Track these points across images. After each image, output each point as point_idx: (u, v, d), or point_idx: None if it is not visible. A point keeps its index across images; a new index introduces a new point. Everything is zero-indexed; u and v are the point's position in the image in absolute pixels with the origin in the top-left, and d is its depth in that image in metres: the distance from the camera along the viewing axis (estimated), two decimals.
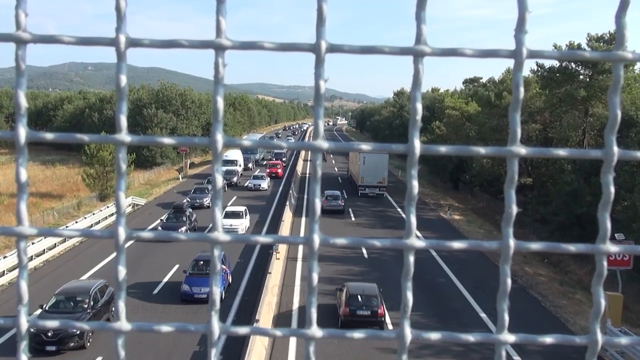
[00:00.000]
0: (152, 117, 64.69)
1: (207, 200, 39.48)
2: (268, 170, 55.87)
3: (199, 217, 35.47)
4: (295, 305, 21.20)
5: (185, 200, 37.73)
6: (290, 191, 42.84)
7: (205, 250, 23.45)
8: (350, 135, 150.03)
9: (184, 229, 29.77)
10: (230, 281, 23.61)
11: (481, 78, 76.73)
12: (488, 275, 25.61)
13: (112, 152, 42.75)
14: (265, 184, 48.37)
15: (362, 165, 44.75)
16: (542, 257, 30.20)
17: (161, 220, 33.35)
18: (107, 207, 36.77)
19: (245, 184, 48.77)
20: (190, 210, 33.20)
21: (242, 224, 31.87)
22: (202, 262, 22.59)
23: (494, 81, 53.32)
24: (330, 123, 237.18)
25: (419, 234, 32.96)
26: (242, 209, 33.80)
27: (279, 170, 56.66)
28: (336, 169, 65.41)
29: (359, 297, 19.20)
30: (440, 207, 44.02)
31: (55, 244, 28.09)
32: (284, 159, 67.72)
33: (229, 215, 32.43)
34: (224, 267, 22.75)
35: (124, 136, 0.85)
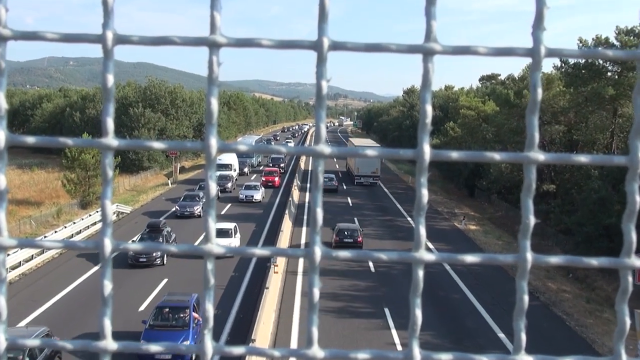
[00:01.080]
0: (139, 117, 64.89)
1: (197, 209, 39.10)
2: (263, 179, 53.44)
3: (189, 227, 35.49)
4: (295, 323, 21.18)
5: (162, 218, 35.74)
6: (290, 198, 42.86)
7: (173, 292, 21.31)
8: (356, 137, 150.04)
9: (158, 255, 27.35)
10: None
11: (499, 75, 76.90)
12: (507, 291, 25.56)
13: (95, 155, 42.85)
14: (259, 195, 45.74)
15: (357, 159, 55.39)
16: (567, 271, 30.13)
17: (133, 242, 33.09)
18: (90, 215, 36.82)
19: (239, 195, 46.10)
20: (169, 229, 30.98)
21: (231, 245, 29.82)
22: (167, 310, 19.08)
23: (513, 78, 53.40)
24: (336, 123, 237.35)
25: (431, 245, 33.01)
26: (231, 225, 31.57)
27: (276, 179, 54.22)
28: (337, 165, 74.72)
29: (345, 231, 31.66)
30: (455, 217, 44.02)
31: (33, 255, 28.10)
32: (282, 165, 65.19)
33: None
34: (195, 315, 19.14)
35: (111, 140, 0.86)
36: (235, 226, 32.26)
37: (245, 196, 45.20)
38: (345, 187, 54.75)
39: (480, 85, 79.34)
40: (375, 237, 35.76)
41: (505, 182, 44.06)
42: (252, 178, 58.74)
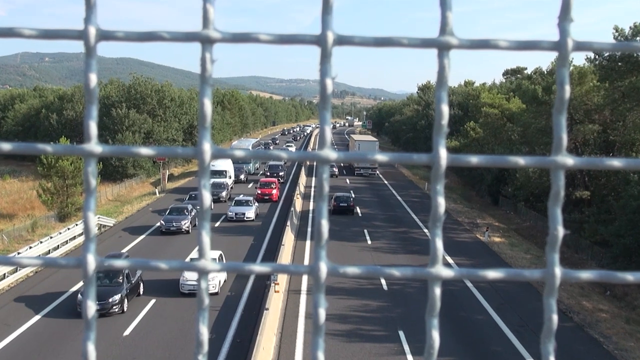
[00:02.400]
0: (122, 118, 65.19)
1: (185, 224, 38.46)
2: (259, 192, 50.49)
3: (173, 246, 35.41)
4: (299, 348, 21.15)
5: (125, 250, 33.60)
6: (292, 208, 42.88)
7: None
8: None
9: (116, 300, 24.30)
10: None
11: (525, 68, 76.85)
12: (537, 312, 25.46)
13: (74, 162, 42.98)
14: (251, 212, 42.45)
15: (357, 150, 67.71)
16: (604, 288, 30.00)
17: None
18: (68, 228, 36.91)
19: (227, 212, 43.00)
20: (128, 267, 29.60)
21: (214, 279, 26.77)
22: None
23: (541, 72, 53.39)
24: (346, 124, 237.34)
25: (450, 260, 32.96)
26: (215, 254, 28.38)
27: (274, 192, 50.87)
28: (342, 164, 80.00)
29: (341, 198, 45.90)
30: (477, 228, 43.96)
31: (5, 274, 28.18)
32: (281, 174, 62.68)
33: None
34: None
35: (94, 146, 0.88)
36: (221, 254, 29.59)
37: (236, 214, 42.06)
38: (348, 181, 63.09)
39: (504, 80, 79.38)
40: (387, 251, 35.72)
41: (533, 188, 43.99)
42: (249, 186, 58.80)
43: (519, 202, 48.36)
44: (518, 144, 47.90)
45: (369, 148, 72.19)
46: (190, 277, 26.85)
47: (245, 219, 42.05)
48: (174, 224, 38.44)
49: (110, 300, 23.93)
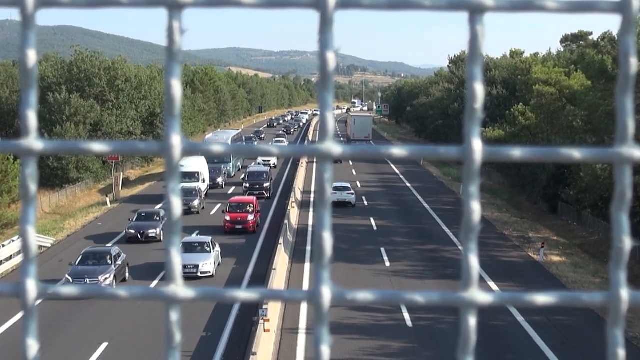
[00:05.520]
0: (62, 105, 65.17)
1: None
2: (227, 218, 44.21)
3: (134, 257, 35.52)
4: None
5: None
6: (286, 221, 42.86)
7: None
8: (380, 129, 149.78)
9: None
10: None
11: (590, 33, 76.87)
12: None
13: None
14: (209, 262, 35.11)
15: (353, 125, 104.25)
16: None
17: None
18: None
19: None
20: None
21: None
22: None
23: (611, 38, 53.36)
24: (358, 108, 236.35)
25: (494, 286, 32.93)
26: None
27: (250, 218, 44.47)
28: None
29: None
30: (529, 243, 43.88)
31: None
32: (265, 186, 57.36)
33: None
34: None
35: (34, 142, 0.90)
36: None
37: (184, 266, 31.71)
38: (359, 184, 65.53)
39: (562, 50, 79.36)
40: (411, 275, 35.66)
41: (602, 191, 43.89)
42: (230, 191, 58.69)
43: (584, 210, 48.25)
44: (582, 133, 47.82)
45: (364, 123, 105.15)
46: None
47: (199, 274, 34.00)
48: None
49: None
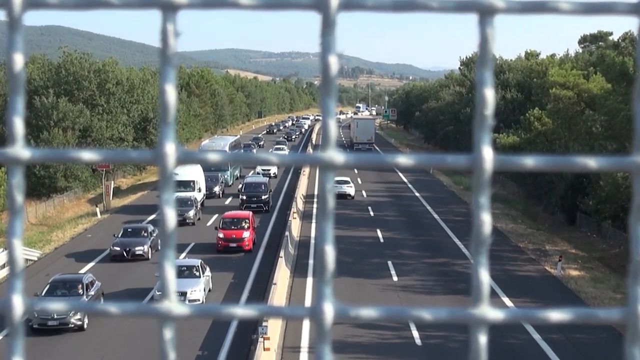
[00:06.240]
0: (49, 110, 65.20)
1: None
2: (220, 236, 42.74)
3: (115, 281, 35.38)
4: None
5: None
6: (287, 232, 42.80)
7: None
8: (387, 135, 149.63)
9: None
10: None
11: (610, 33, 76.89)
12: None
13: None
14: (197, 288, 33.10)
15: (355, 128, 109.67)
16: None
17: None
18: None
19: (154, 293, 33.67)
20: None
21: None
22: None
23: (632, 38, 53.37)
24: (364, 113, 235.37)
25: (508, 302, 32.87)
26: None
27: (245, 236, 43.08)
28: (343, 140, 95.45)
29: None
30: (546, 257, 43.82)
31: None
32: (264, 199, 55.81)
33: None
34: None
35: (21, 150, 0.91)
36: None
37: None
38: (364, 194, 66.92)
39: (581, 51, 79.36)
40: (420, 290, 35.60)
41: (623, 201, 43.84)
42: (227, 202, 58.64)
43: (605, 221, 48.19)
44: (602, 139, 47.78)
45: (366, 126, 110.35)
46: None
47: (186, 303, 33.23)
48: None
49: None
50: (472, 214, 0.94)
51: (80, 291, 31.48)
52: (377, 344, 27.78)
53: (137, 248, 39.92)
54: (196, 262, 34.81)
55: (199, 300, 32.00)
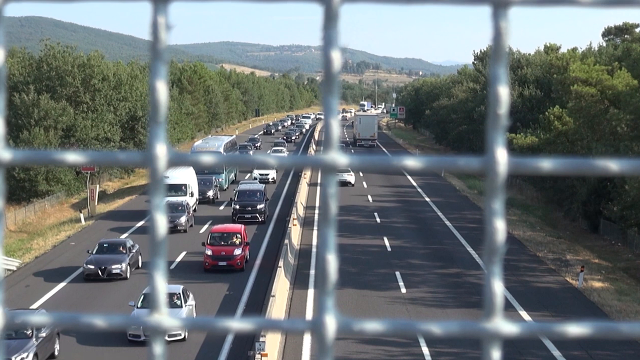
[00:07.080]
0: (29, 107, 65.24)
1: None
2: (208, 253, 41.01)
3: (111, 294, 35.36)
4: None
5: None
6: (286, 240, 42.76)
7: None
8: (395, 135, 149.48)
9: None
10: None
11: (637, 26, 76.82)
12: None
13: None
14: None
15: (358, 125, 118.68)
16: None
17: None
18: None
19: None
20: None
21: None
22: None
23: None
24: (371, 111, 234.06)
25: (526, 316, 32.81)
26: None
27: (237, 253, 41.05)
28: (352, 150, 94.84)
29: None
30: (567, 267, 43.76)
31: None
32: (260, 208, 53.78)
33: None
34: None
35: (1, 151, 0.91)
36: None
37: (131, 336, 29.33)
38: (370, 199, 66.73)
39: (605, 44, 79.30)
40: (431, 303, 35.54)
41: None
42: (221, 208, 58.59)
43: (630, 228, 48.13)
44: (627, 140, 47.74)
45: (369, 122, 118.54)
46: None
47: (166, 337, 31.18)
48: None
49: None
50: (485, 220, 0.94)
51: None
52: None
53: (113, 266, 37.92)
54: (178, 288, 32.30)
55: (179, 335, 28.82)
